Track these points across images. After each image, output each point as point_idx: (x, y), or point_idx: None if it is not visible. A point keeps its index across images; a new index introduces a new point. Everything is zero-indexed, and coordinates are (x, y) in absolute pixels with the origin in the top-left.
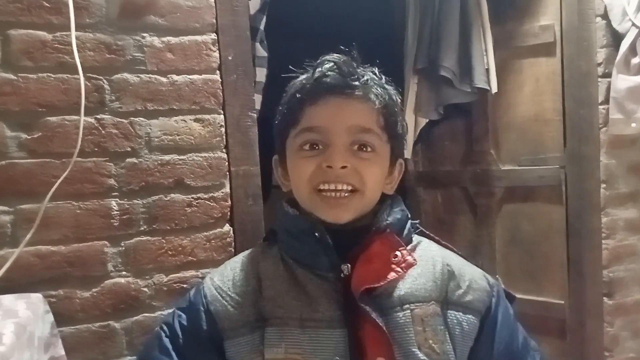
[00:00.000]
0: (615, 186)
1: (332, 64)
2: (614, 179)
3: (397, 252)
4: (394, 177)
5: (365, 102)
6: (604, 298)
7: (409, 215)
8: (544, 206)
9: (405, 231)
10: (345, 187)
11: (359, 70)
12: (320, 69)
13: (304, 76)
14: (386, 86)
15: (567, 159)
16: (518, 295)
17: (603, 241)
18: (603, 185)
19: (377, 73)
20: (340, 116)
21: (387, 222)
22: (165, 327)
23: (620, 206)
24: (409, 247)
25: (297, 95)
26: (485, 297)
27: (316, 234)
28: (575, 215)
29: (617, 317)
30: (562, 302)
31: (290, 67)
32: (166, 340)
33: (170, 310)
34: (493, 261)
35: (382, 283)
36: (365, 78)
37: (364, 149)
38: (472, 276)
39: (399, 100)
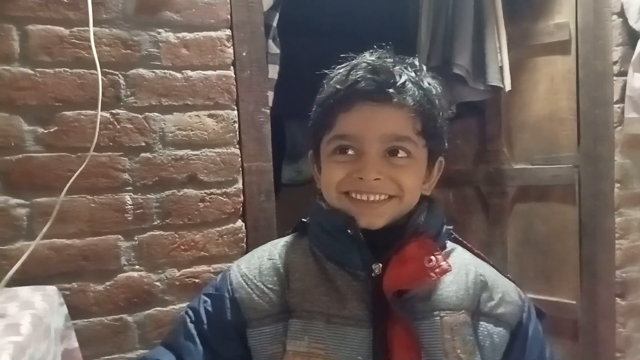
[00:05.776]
0: (629, 186)
1: (366, 67)
2: (629, 178)
3: (432, 257)
4: (432, 176)
5: (401, 109)
6: (617, 299)
7: (444, 221)
8: (557, 206)
9: (440, 237)
10: (380, 197)
11: (396, 69)
12: (353, 73)
13: (337, 76)
14: (424, 85)
15: (581, 158)
16: (530, 296)
17: (616, 241)
18: (617, 185)
19: (416, 65)
20: (374, 124)
21: (425, 225)
22: (190, 312)
23: (635, 206)
24: (443, 253)
25: (330, 101)
26: (517, 311)
27: (349, 231)
28: (589, 215)
29: (630, 318)
30: (575, 302)
31: (312, 64)
32: (191, 326)
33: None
34: (505, 261)
35: (415, 287)
36: (402, 80)
37: (397, 153)
38: (505, 289)
39: (440, 92)
